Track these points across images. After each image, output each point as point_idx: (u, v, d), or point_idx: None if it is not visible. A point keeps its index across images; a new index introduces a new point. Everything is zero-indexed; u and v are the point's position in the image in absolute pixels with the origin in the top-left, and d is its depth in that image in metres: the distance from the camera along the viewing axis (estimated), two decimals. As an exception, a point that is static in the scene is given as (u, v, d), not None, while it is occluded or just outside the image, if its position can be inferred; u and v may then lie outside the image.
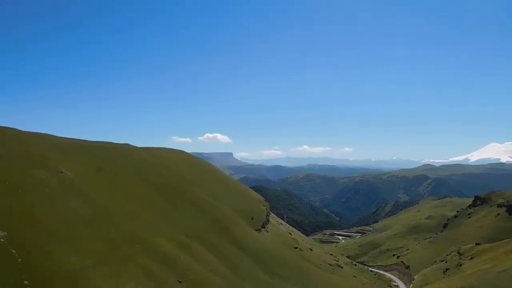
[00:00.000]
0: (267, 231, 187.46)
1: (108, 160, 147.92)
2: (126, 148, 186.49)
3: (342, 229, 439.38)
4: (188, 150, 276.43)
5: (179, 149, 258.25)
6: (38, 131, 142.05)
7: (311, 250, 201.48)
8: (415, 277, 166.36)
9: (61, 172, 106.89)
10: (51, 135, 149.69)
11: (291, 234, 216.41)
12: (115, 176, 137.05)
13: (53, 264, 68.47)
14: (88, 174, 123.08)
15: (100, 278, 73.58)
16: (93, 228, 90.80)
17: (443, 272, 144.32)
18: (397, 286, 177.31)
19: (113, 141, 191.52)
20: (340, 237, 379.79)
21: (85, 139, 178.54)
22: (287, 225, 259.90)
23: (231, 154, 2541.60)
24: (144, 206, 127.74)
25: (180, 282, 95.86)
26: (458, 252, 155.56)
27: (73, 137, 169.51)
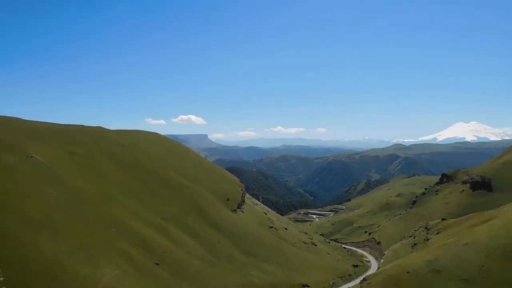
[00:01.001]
0: (243, 212, 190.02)
1: (80, 143, 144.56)
2: (99, 131, 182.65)
3: (316, 208, 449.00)
4: (162, 132, 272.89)
5: (153, 131, 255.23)
6: (4, 115, 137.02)
7: (286, 229, 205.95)
8: (385, 252, 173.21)
9: (31, 157, 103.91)
10: (18, 118, 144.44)
11: (266, 214, 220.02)
12: (88, 159, 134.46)
13: (28, 251, 67.52)
14: (60, 158, 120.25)
15: (78, 264, 73.21)
16: (68, 213, 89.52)
17: (412, 246, 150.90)
18: (369, 261, 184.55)
19: (85, 124, 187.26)
20: (314, 216, 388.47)
21: (55, 122, 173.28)
22: (263, 205, 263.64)
23: (205, 135, 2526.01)
24: (120, 190, 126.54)
25: (158, 264, 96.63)
26: (425, 228, 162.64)
27: (42, 121, 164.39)
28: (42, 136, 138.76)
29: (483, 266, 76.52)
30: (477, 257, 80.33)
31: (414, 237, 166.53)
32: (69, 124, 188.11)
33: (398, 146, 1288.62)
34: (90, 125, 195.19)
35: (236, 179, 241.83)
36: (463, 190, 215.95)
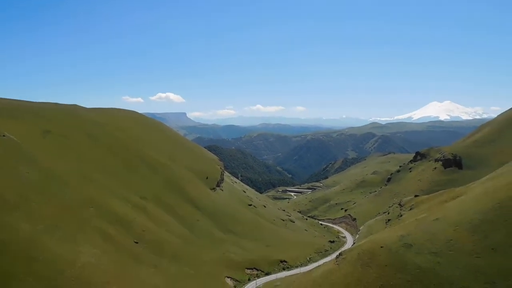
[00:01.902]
0: (222, 190, 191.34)
1: (55, 122, 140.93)
2: (74, 109, 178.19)
3: (294, 186, 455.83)
4: (140, 110, 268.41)
5: (130, 109, 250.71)
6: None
7: (264, 206, 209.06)
8: (360, 228, 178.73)
9: (4, 136, 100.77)
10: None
11: (245, 192, 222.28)
12: (64, 138, 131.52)
13: (4, 232, 66.48)
14: (34, 137, 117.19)
15: (55, 243, 72.71)
16: (44, 193, 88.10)
17: (386, 222, 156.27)
18: (345, 237, 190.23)
19: (59, 102, 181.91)
20: (292, 194, 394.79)
21: (28, 100, 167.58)
22: (242, 183, 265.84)
23: (184, 114, 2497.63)
24: (97, 169, 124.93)
25: (137, 242, 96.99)
26: (399, 204, 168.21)
27: (14, 98, 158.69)
28: (15, 114, 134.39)
29: (451, 240, 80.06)
30: (446, 232, 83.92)
31: (388, 213, 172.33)
32: (43, 102, 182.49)
33: (375, 125, 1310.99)
34: (65, 103, 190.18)
35: (215, 157, 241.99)
36: (435, 168, 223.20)
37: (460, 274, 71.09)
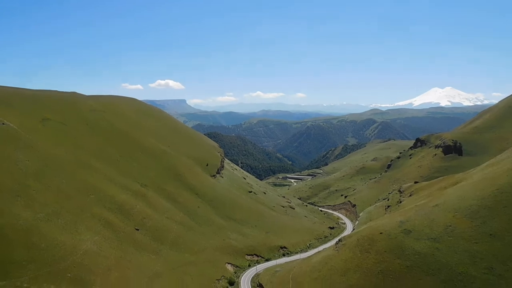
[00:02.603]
0: (222, 177, 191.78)
1: (54, 109, 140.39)
2: (73, 97, 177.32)
3: (294, 173, 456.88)
4: (140, 97, 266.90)
5: (130, 96, 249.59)
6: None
7: (264, 193, 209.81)
8: (360, 214, 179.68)
9: (3, 124, 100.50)
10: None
11: (245, 179, 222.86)
12: (63, 126, 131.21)
13: (4, 220, 66.72)
14: (33, 125, 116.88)
15: (56, 230, 73.10)
16: (44, 181, 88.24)
17: (385, 208, 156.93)
18: (344, 223, 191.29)
19: (58, 90, 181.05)
20: (292, 180, 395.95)
21: (27, 87, 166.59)
22: (242, 170, 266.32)
23: (184, 101, 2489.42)
24: (96, 156, 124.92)
25: (138, 229, 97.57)
26: (399, 191, 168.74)
27: (13, 86, 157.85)
28: (13, 102, 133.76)
29: (450, 225, 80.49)
30: (445, 218, 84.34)
31: (388, 200, 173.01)
32: (42, 90, 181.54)
33: (375, 111, 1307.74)
34: (64, 91, 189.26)
35: (215, 144, 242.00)
36: (435, 154, 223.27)
37: (458, 260, 71.71)
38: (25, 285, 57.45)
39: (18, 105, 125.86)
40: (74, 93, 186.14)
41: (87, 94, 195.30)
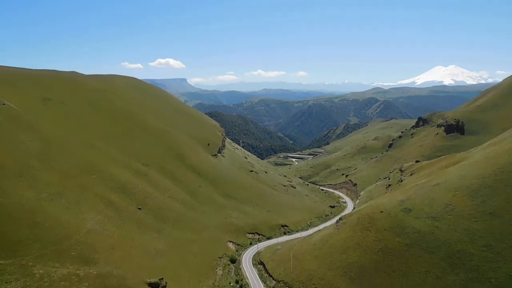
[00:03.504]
0: (224, 156, 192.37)
1: (55, 89, 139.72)
2: (73, 76, 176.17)
3: (295, 152, 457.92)
4: (140, 76, 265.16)
5: (130, 76, 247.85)
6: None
7: (266, 172, 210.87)
8: (361, 193, 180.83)
9: (3, 104, 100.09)
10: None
11: (246, 158, 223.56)
12: (64, 106, 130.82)
13: (8, 200, 67.27)
14: (34, 105, 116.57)
15: (59, 210, 73.82)
16: (46, 160, 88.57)
17: (386, 188, 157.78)
18: (345, 202, 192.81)
19: (58, 69, 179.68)
20: (294, 160, 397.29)
21: (27, 67, 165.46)
22: (243, 149, 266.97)
23: (185, 80, 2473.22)
24: (98, 136, 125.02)
25: (140, 209, 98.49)
26: (400, 170, 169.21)
27: (12, 66, 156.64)
28: (13, 82, 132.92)
29: (450, 204, 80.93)
30: (445, 197, 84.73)
31: (389, 179, 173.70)
32: (41, 69, 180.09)
33: (377, 90, 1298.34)
34: (64, 70, 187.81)
35: (216, 123, 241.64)
36: (437, 133, 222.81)
37: (457, 238, 72.42)
38: (30, 263, 58.40)
39: (18, 85, 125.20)
40: (74, 72, 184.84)
41: (86, 73, 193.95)
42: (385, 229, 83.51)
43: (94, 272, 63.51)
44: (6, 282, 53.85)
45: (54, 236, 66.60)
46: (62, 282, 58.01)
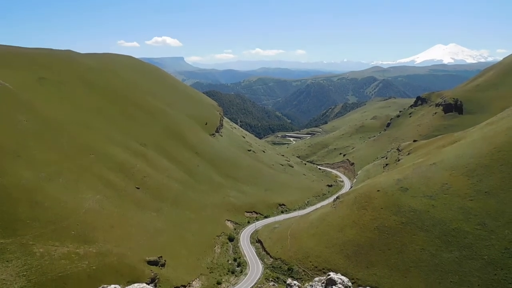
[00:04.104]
0: (222, 136, 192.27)
1: (50, 68, 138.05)
2: (69, 55, 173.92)
3: (293, 131, 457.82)
4: (136, 55, 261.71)
5: (126, 54, 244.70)
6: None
7: (263, 152, 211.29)
8: (358, 172, 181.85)
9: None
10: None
11: (244, 137, 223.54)
12: (59, 85, 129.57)
13: (6, 180, 67.40)
14: (29, 85, 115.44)
15: (58, 190, 74.12)
16: (43, 140, 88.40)
17: (383, 167, 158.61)
18: (342, 181, 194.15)
19: (53, 48, 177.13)
20: (292, 139, 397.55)
21: (21, 46, 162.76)
22: (241, 129, 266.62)
23: (182, 58, 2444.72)
24: (95, 116, 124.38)
25: (139, 188, 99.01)
26: (397, 149, 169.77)
27: (5, 44, 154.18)
28: (8, 61, 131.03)
29: (446, 183, 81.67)
30: (442, 176, 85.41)
31: (386, 158, 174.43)
32: (36, 48, 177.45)
33: (376, 69, 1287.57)
34: (59, 49, 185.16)
35: (214, 103, 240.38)
36: (435, 113, 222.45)
37: (453, 216, 73.39)
38: (30, 242, 59.06)
39: (13, 64, 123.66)
40: (70, 51, 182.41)
41: (82, 52, 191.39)
42: (382, 208, 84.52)
43: (94, 251, 64.38)
44: (7, 261, 54.56)
45: (53, 215, 67.14)
46: (62, 261, 58.85)
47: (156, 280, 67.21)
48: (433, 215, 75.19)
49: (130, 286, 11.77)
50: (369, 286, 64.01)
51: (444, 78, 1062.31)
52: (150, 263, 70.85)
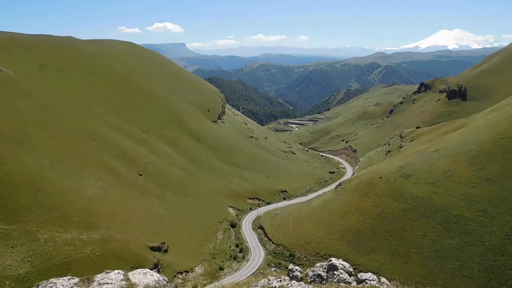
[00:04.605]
0: (224, 122, 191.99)
1: (51, 55, 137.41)
2: (70, 42, 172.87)
3: (295, 118, 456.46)
4: (138, 41, 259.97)
5: (127, 40, 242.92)
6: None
7: (266, 138, 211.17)
8: (360, 159, 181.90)
9: (0, 71, 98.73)
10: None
11: (246, 124, 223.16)
12: (61, 72, 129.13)
13: (9, 167, 67.69)
14: (30, 71, 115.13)
15: (61, 177, 74.47)
16: (45, 128, 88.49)
17: (386, 153, 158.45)
18: (344, 168, 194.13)
19: (53, 34, 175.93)
20: (294, 126, 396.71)
21: (21, 32, 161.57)
22: (243, 115, 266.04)
23: (183, 44, 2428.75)
24: (97, 103, 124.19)
25: (141, 175, 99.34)
26: (400, 136, 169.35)
27: (6, 31, 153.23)
28: (8, 48, 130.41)
29: (449, 170, 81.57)
30: (444, 163, 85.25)
31: (389, 145, 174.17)
32: (36, 35, 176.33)
33: (380, 55, 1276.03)
34: (59, 35, 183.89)
35: (216, 89, 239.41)
36: (439, 99, 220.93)
37: (454, 203, 73.47)
38: (34, 229, 59.61)
39: (14, 51, 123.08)
40: (70, 37, 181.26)
41: (83, 38, 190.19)
42: (384, 195, 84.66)
43: (97, 237, 64.98)
44: (12, 247, 55.19)
45: (56, 202, 67.62)
46: (66, 247, 59.47)
47: (159, 266, 67.93)
48: (435, 201, 75.29)
49: (133, 271, 11.89)
50: (370, 272, 64.56)
51: (448, 64, 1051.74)
52: (153, 249, 71.51)
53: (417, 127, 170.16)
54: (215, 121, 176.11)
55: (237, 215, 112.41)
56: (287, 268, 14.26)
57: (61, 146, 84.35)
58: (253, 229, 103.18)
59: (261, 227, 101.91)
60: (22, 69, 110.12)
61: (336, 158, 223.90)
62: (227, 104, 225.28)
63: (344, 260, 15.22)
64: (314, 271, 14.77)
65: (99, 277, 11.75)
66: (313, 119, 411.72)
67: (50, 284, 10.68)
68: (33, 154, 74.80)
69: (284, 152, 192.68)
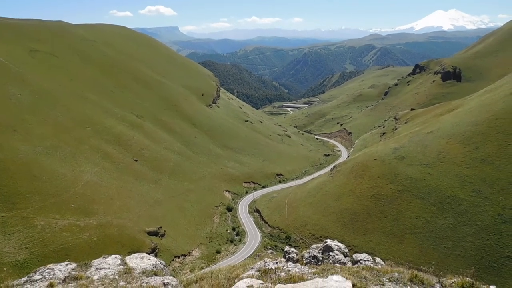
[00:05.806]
0: (218, 106, 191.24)
1: (41, 40, 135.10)
2: (61, 26, 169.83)
3: (290, 101, 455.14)
4: (130, 25, 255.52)
5: (119, 24, 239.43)
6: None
7: (261, 122, 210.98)
8: (355, 141, 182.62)
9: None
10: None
11: (241, 108, 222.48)
12: (52, 57, 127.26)
13: (3, 154, 67.30)
14: (21, 57, 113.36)
15: (56, 163, 74.23)
16: (38, 114, 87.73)
17: (380, 136, 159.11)
18: (339, 150, 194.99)
19: (43, 19, 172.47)
20: (289, 109, 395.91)
21: (9, 16, 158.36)
22: (238, 99, 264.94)
23: (176, 28, 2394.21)
24: (90, 88, 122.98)
25: (136, 160, 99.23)
26: (394, 118, 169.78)
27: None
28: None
29: (443, 151, 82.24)
30: (438, 144, 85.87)
31: (383, 127, 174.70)
32: (25, 19, 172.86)
33: (375, 36, 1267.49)
34: (49, 20, 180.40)
35: (210, 73, 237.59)
36: (434, 81, 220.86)
37: (448, 184, 74.33)
38: (31, 215, 59.70)
39: (2, 36, 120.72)
40: (61, 22, 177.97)
41: (74, 22, 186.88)
42: (378, 176, 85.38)
43: (94, 222, 65.25)
44: (9, 234, 55.33)
45: (52, 188, 67.59)
46: (64, 233, 59.72)
47: (157, 250, 68.52)
48: (429, 183, 76.12)
49: (131, 256, 11.93)
50: (365, 253, 65.55)
51: (443, 45, 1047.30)
52: (150, 233, 72.01)
53: (412, 109, 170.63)
54: (209, 105, 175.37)
55: (233, 199, 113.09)
56: (283, 250, 14.41)
57: (56, 132, 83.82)
58: (249, 212, 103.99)
59: (257, 210, 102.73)
60: (13, 55, 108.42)
61: (331, 141, 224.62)
62: (221, 88, 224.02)
63: (339, 242, 15.39)
64: (309, 253, 14.95)
65: (96, 262, 11.81)
66: (308, 102, 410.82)
67: (48, 270, 10.72)
68: (27, 140, 74.34)
69: (279, 135, 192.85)
